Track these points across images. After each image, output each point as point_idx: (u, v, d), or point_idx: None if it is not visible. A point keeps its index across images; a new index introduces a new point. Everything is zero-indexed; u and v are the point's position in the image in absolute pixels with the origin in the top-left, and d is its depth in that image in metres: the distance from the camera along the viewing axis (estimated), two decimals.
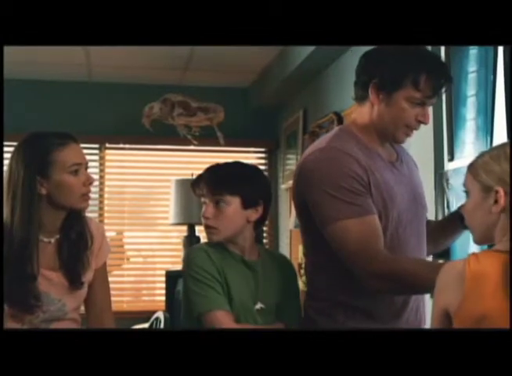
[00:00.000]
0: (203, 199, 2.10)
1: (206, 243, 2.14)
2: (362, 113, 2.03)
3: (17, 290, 1.95)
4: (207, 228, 2.08)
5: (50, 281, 2.03)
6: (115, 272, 5.28)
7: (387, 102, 1.95)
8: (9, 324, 1.96)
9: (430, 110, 2.00)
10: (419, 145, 2.37)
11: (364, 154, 1.97)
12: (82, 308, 2.16)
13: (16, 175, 1.98)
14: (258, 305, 2.07)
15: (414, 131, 2.01)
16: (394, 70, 1.92)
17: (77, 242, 2.08)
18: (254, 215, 2.09)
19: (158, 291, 5.23)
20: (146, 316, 4.34)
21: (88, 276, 2.10)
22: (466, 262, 1.50)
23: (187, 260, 2.08)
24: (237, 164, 2.16)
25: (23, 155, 2.00)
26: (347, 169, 1.91)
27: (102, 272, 2.18)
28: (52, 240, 2.06)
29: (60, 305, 2.05)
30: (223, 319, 1.98)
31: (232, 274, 2.06)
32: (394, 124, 1.97)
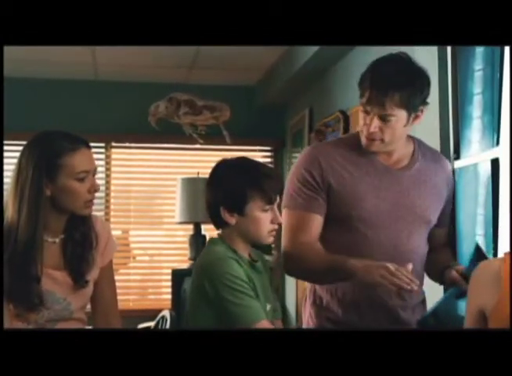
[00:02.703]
0: None
1: (222, 250, 2.00)
2: None
3: (21, 290, 1.95)
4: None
5: (55, 280, 2.03)
6: (121, 271, 5.30)
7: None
8: (15, 324, 1.97)
9: (409, 118, 2.09)
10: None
11: (345, 158, 2.17)
12: (88, 306, 2.16)
13: (25, 175, 1.97)
14: (268, 307, 2.06)
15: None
16: (359, 84, 2.13)
17: (82, 241, 2.07)
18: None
19: (164, 290, 5.24)
20: (152, 314, 4.35)
21: (93, 275, 2.10)
22: (503, 261, 1.46)
23: (218, 270, 1.94)
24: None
25: (32, 154, 1.99)
26: (305, 168, 2.17)
27: (109, 271, 2.17)
28: (57, 240, 2.06)
29: (66, 305, 2.04)
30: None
31: (254, 279, 2.02)
32: (361, 132, 2.16)
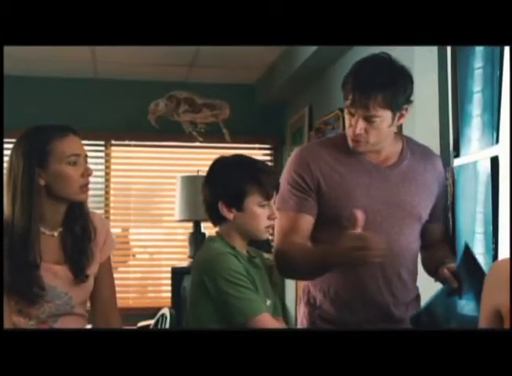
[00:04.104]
0: None
1: (221, 246, 2.02)
2: None
3: (21, 280, 1.96)
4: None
5: (55, 275, 2.03)
6: (121, 269, 5.31)
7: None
8: (16, 319, 1.98)
9: (398, 119, 2.12)
10: (425, 141, 2.37)
11: (334, 158, 2.19)
12: (88, 304, 2.17)
13: (16, 166, 1.99)
14: (268, 302, 2.07)
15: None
16: (342, 86, 2.15)
17: (81, 235, 2.08)
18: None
19: (164, 288, 5.25)
20: (151, 312, 4.34)
21: (93, 269, 2.11)
22: None
23: (218, 265, 1.96)
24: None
25: (23, 146, 2.01)
26: (295, 170, 2.20)
27: (107, 267, 2.18)
28: (56, 234, 2.07)
29: (67, 299, 2.05)
30: (272, 322, 1.96)
31: (253, 274, 2.03)
32: (347, 134, 2.17)
